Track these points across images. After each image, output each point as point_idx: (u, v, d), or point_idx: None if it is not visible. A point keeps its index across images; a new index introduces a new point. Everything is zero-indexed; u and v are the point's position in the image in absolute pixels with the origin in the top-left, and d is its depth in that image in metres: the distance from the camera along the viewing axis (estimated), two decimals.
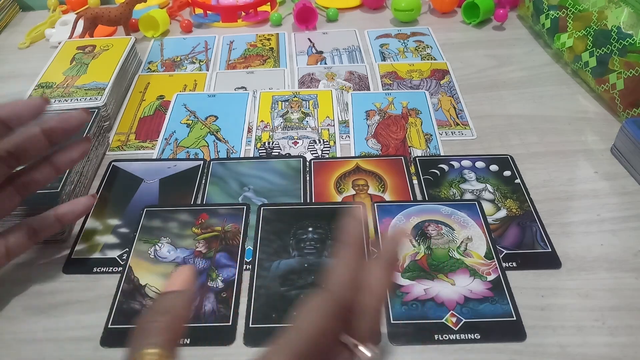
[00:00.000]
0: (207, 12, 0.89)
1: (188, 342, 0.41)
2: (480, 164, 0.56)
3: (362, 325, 0.25)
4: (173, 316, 0.25)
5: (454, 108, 0.66)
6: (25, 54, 0.83)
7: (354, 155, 0.59)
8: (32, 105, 0.38)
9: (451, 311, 0.42)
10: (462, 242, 0.47)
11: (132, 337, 0.25)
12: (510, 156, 0.57)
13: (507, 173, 0.55)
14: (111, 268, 0.47)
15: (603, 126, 0.62)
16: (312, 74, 0.74)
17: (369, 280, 0.27)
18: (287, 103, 0.67)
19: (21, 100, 0.38)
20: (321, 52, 0.80)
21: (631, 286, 0.44)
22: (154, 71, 0.77)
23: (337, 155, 0.59)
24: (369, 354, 0.25)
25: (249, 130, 0.63)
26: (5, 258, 0.41)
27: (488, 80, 0.71)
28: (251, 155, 0.60)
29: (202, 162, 0.58)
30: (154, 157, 0.60)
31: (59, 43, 0.74)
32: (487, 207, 0.51)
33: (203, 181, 0.55)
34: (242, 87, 0.72)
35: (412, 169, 0.56)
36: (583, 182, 0.54)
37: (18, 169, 0.41)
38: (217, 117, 0.65)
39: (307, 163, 0.57)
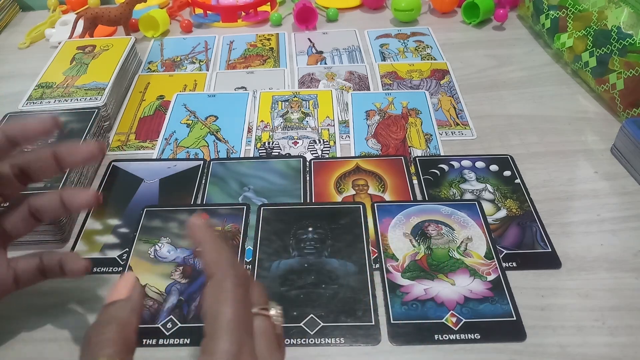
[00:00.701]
0: (207, 12, 0.89)
1: (188, 342, 0.41)
2: (480, 164, 0.56)
3: (256, 291, 0.28)
4: (120, 325, 0.25)
5: (454, 108, 0.66)
6: (25, 54, 0.83)
7: (354, 155, 0.59)
8: (40, 126, 0.38)
9: (451, 311, 0.42)
10: (462, 242, 0.47)
11: (81, 350, 0.24)
12: (510, 156, 0.57)
13: (507, 173, 0.55)
14: (111, 268, 0.47)
15: (603, 126, 0.62)
16: (312, 74, 0.74)
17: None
18: (287, 103, 0.67)
19: (31, 121, 0.38)
20: (321, 52, 0.80)
21: (631, 286, 0.44)
22: (154, 71, 0.77)
23: (337, 155, 0.59)
24: (277, 312, 0.28)
25: (249, 130, 0.63)
26: (14, 286, 0.40)
27: (488, 80, 0.71)
28: (251, 155, 0.60)
29: (202, 162, 0.58)
30: (154, 157, 0.60)
31: (59, 43, 0.74)
32: (487, 207, 0.51)
33: (203, 181, 0.55)
34: (242, 87, 0.72)
35: (412, 169, 0.56)
36: (583, 182, 0.54)
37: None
38: (217, 117, 0.65)
39: (307, 163, 0.57)
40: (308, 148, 0.60)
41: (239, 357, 0.24)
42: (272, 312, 0.27)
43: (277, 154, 0.59)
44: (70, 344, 0.41)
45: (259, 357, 0.25)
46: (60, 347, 0.41)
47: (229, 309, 0.25)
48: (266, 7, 0.91)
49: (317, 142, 0.61)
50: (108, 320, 0.25)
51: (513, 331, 0.41)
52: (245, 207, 0.52)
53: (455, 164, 0.56)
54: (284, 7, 0.94)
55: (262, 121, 0.65)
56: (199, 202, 0.53)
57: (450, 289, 0.44)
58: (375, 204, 0.51)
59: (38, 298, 0.45)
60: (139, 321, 0.27)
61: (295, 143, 0.61)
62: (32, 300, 0.45)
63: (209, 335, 0.25)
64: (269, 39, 0.84)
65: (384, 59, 0.77)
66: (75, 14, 0.87)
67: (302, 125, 0.64)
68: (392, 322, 0.41)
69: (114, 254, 0.48)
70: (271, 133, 0.63)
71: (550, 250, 0.47)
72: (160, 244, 0.48)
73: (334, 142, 0.61)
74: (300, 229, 0.49)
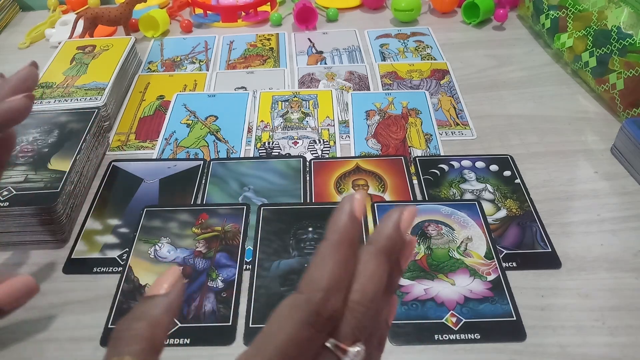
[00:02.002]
0: (207, 12, 0.89)
1: (188, 342, 0.41)
2: (480, 164, 0.56)
3: (345, 325, 0.22)
4: (150, 323, 0.23)
5: (454, 108, 0.66)
6: (25, 54, 0.83)
7: (354, 155, 0.59)
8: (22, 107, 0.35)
9: (451, 311, 0.42)
10: (462, 242, 0.47)
11: (109, 342, 0.23)
12: (510, 156, 0.57)
13: (507, 173, 0.55)
14: (111, 268, 0.47)
15: (603, 126, 0.62)
16: (312, 74, 0.74)
17: (359, 274, 0.23)
18: (287, 103, 0.67)
19: (9, 102, 0.35)
20: (321, 52, 0.80)
21: (631, 286, 0.44)
22: (154, 71, 0.77)
23: (337, 155, 0.59)
24: (354, 355, 0.22)
25: (249, 130, 0.63)
26: None
27: (488, 80, 0.71)
28: (251, 155, 0.60)
29: (202, 162, 0.58)
30: (154, 157, 0.60)
31: (59, 43, 0.74)
32: (487, 207, 0.51)
33: (203, 181, 0.55)
34: (242, 87, 0.72)
35: (412, 169, 0.56)
36: (583, 182, 0.54)
37: None
38: (217, 117, 0.65)
39: (307, 163, 0.57)
40: (308, 148, 0.60)
41: None
42: (350, 351, 0.22)
43: (277, 154, 0.59)
44: (70, 344, 0.41)
45: None
46: (60, 347, 0.41)
47: (282, 337, 0.21)
48: (266, 7, 0.91)
49: (317, 142, 0.61)
50: (139, 316, 0.24)
51: (513, 331, 0.41)
52: (245, 207, 0.52)
53: (455, 164, 0.56)
54: (284, 7, 0.94)
55: (262, 121, 0.65)
56: (199, 202, 0.53)
57: (450, 289, 0.44)
58: (375, 204, 0.51)
59: (38, 298, 0.45)
60: (172, 321, 0.24)
61: (295, 143, 0.61)
62: (32, 300, 0.44)
63: (248, 353, 0.22)
64: (269, 39, 0.84)
65: (384, 59, 0.77)
66: (75, 14, 0.87)
67: (302, 125, 0.64)
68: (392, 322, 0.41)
69: (114, 254, 0.48)
70: (271, 133, 0.63)
71: (550, 250, 0.47)
72: (160, 244, 0.48)
73: (334, 142, 0.61)
74: (300, 229, 0.49)
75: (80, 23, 0.80)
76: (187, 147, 0.61)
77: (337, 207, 0.24)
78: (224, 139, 0.62)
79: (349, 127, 0.63)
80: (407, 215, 0.25)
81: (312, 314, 0.22)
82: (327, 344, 0.22)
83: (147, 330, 0.23)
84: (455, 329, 0.41)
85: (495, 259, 0.46)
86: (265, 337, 0.22)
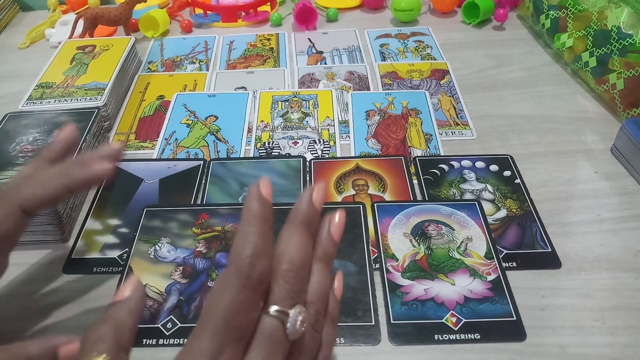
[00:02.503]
0: (207, 12, 0.89)
1: None
2: (480, 164, 0.56)
3: (280, 290, 0.25)
4: (115, 324, 0.26)
5: (454, 108, 0.66)
6: (25, 54, 0.83)
7: (354, 155, 0.59)
8: (106, 175, 0.38)
9: (451, 311, 0.42)
10: (462, 242, 0.47)
11: (80, 347, 0.25)
12: (510, 156, 0.57)
13: (507, 173, 0.55)
14: (111, 268, 0.47)
15: (603, 126, 0.62)
16: (312, 74, 0.74)
17: (285, 247, 0.27)
18: (287, 103, 0.67)
19: (97, 171, 0.37)
20: (321, 52, 0.80)
21: (631, 286, 0.44)
22: (154, 71, 0.77)
23: (337, 155, 0.59)
24: (296, 315, 0.25)
25: (249, 130, 0.63)
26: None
27: (488, 80, 0.71)
28: (251, 155, 0.60)
29: (202, 162, 0.58)
30: (154, 157, 0.60)
31: (59, 43, 0.74)
32: (487, 207, 0.51)
33: (203, 181, 0.55)
34: (242, 87, 0.72)
35: (412, 169, 0.56)
36: (583, 182, 0.54)
37: None
38: (217, 117, 0.65)
39: (307, 163, 0.57)
40: (308, 148, 0.60)
41: (216, 358, 0.23)
42: (291, 316, 0.24)
43: (277, 154, 0.59)
44: None
45: None
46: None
47: (222, 307, 0.24)
48: (266, 7, 0.91)
49: (317, 142, 0.61)
50: (104, 320, 0.26)
51: (513, 331, 0.41)
52: None
53: (455, 164, 0.56)
54: (284, 7, 0.94)
55: (262, 121, 0.65)
56: (199, 202, 0.53)
57: (450, 289, 0.44)
58: (375, 204, 0.51)
59: (38, 298, 0.45)
60: (136, 322, 0.27)
61: (295, 143, 0.61)
62: (32, 300, 0.45)
63: (196, 327, 0.24)
64: (269, 39, 0.84)
65: (384, 59, 0.77)
66: (75, 14, 0.87)
67: (302, 125, 0.64)
68: (392, 322, 0.41)
69: (114, 254, 0.48)
70: (271, 133, 0.63)
71: (550, 250, 0.47)
72: (160, 244, 0.48)
73: (334, 142, 0.61)
74: None
75: (80, 23, 0.80)
76: (187, 147, 0.61)
77: (247, 194, 0.27)
78: (224, 139, 0.62)
79: (349, 127, 0.63)
80: (317, 191, 0.28)
81: (242, 277, 0.24)
82: (270, 311, 0.24)
83: (111, 330, 0.25)
84: (455, 329, 0.41)
85: (495, 259, 0.46)
86: (207, 311, 0.24)
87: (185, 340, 0.40)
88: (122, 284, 0.28)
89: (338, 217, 0.29)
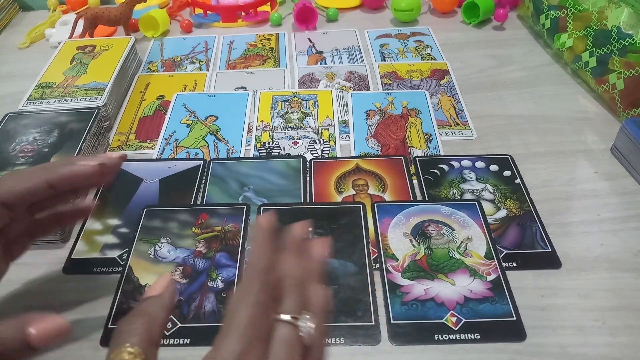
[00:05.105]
0: (207, 12, 0.89)
1: (188, 342, 0.41)
2: (480, 164, 0.56)
3: (289, 302, 0.28)
4: (147, 318, 0.27)
5: (454, 108, 0.66)
6: (25, 54, 0.83)
7: (354, 155, 0.59)
8: (89, 172, 0.37)
9: (451, 311, 0.42)
10: (462, 242, 0.47)
11: (111, 340, 0.26)
12: (510, 156, 0.57)
13: (507, 173, 0.55)
14: (111, 268, 0.47)
15: (603, 126, 0.62)
16: (312, 74, 0.74)
17: (285, 268, 0.30)
18: (287, 103, 0.67)
19: (79, 167, 0.37)
20: (321, 52, 0.80)
21: (631, 286, 0.44)
22: (154, 71, 0.77)
23: (337, 155, 0.59)
24: (306, 322, 0.27)
25: (249, 130, 0.63)
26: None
27: (488, 80, 0.71)
28: (251, 155, 0.60)
29: (202, 162, 0.58)
30: (154, 157, 0.60)
31: (59, 43, 0.74)
32: (487, 207, 0.51)
33: (203, 181, 0.55)
34: (242, 87, 0.72)
35: (412, 169, 0.56)
36: (583, 182, 0.54)
37: None
38: (217, 117, 0.65)
39: (307, 163, 0.57)
40: (308, 148, 0.60)
41: (243, 358, 0.24)
42: (301, 322, 0.27)
43: (277, 154, 0.59)
44: (70, 344, 0.41)
45: None
46: (60, 347, 0.41)
47: (244, 310, 0.26)
48: (266, 7, 0.91)
49: (317, 142, 0.61)
50: (137, 313, 0.27)
51: (513, 331, 0.41)
52: (245, 207, 0.52)
53: (455, 164, 0.56)
54: (284, 7, 0.94)
55: (262, 121, 0.65)
56: (199, 202, 0.53)
57: (450, 289, 0.44)
58: (375, 204, 0.51)
59: (38, 298, 0.45)
60: (167, 318, 0.28)
61: (295, 143, 0.61)
62: (32, 300, 0.45)
63: (221, 332, 0.26)
64: (269, 39, 0.84)
65: (384, 59, 0.77)
66: (75, 14, 0.87)
67: (302, 125, 0.64)
68: (392, 322, 0.41)
69: (114, 254, 0.48)
70: (271, 133, 0.63)
71: (550, 250, 0.47)
72: (160, 244, 0.48)
73: (334, 142, 0.61)
74: None
75: (80, 23, 0.80)
76: (187, 147, 0.61)
77: (255, 223, 0.31)
78: (224, 139, 0.62)
79: (349, 127, 0.63)
80: (300, 228, 0.33)
81: (261, 283, 0.27)
82: (283, 318, 0.27)
83: (145, 324, 0.27)
84: (455, 329, 0.41)
85: (495, 259, 0.46)
86: (231, 314, 0.26)
87: (186, 340, 0.41)
88: (156, 280, 0.30)
89: (322, 244, 0.33)
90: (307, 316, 0.27)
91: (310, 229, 0.34)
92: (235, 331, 0.25)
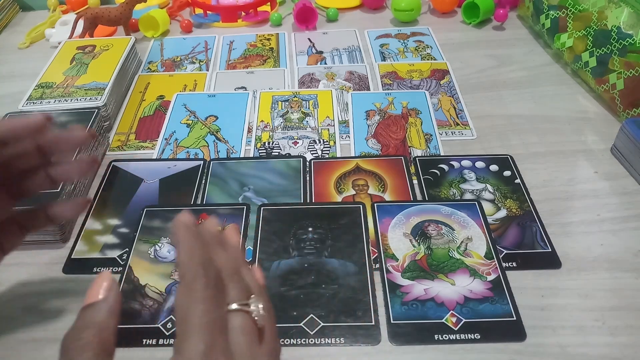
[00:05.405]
0: (207, 12, 0.89)
1: None
2: (480, 164, 0.56)
3: (233, 291, 0.27)
4: (96, 329, 0.25)
5: (454, 108, 0.66)
6: (25, 54, 0.83)
7: (354, 155, 0.59)
8: (32, 125, 0.37)
9: (451, 311, 0.42)
10: (462, 242, 0.47)
11: (59, 357, 0.24)
12: (510, 156, 0.57)
13: (507, 173, 0.55)
14: (111, 268, 0.47)
15: (603, 126, 0.62)
16: (312, 74, 0.74)
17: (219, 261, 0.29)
18: (287, 103, 0.67)
19: (21, 120, 0.37)
20: (321, 52, 0.80)
21: (631, 286, 0.44)
22: (154, 71, 0.77)
23: (337, 155, 0.59)
24: (256, 306, 0.27)
25: (249, 130, 0.63)
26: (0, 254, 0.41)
27: (488, 80, 0.71)
28: (251, 155, 0.60)
29: (202, 162, 0.58)
30: (154, 157, 0.60)
31: (59, 43, 0.74)
32: (487, 207, 0.51)
33: (203, 181, 0.55)
34: (242, 87, 0.72)
35: (412, 169, 0.56)
36: (583, 182, 0.54)
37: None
38: (217, 117, 0.65)
39: (307, 163, 0.57)
40: (308, 148, 0.60)
41: (210, 355, 0.24)
42: (252, 307, 0.27)
43: (277, 154, 0.59)
44: None
45: (236, 354, 0.25)
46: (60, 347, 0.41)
47: (198, 309, 0.25)
48: (266, 7, 0.91)
49: (317, 142, 0.61)
50: (85, 325, 0.25)
51: (513, 331, 0.41)
52: (245, 207, 0.52)
53: (455, 164, 0.56)
54: (284, 7, 0.94)
55: (262, 121, 0.65)
56: (199, 202, 0.53)
57: (450, 289, 0.44)
58: (375, 204, 0.51)
59: (38, 298, 0.45)
60: (117, 323, 0.26)
61: (295, 143, 0.61)
62: (32, 300, 0.45)
63: (179, 335, 0.25)
64: (269, 39, 0.84)
65: (384, 59, 0.77)
66: (75, 14, 0.87)
67: (302, 125, 0.64)
68: (392, 322, 0.41)
69: (114, 254, 0.48)
70: (271, 133, 0.63)
71: (550, 250, 0.47)
72: (160, 244, 0.48)
73: (334, 142, 0.61)
74: (300, 229, 0.49)
75: (80, 23, 0.80)
76: (187, 147, 0.61)
77: (172, 229, 0.29)
78: (224, 139, 0.62)
79: (349, 127, 0.63)
80: (211, 222, 0.33)
81: (201, 279, 0.26)
82: (235, 307, 0.26)
83: (96, 336, 0.25)
84: (455, 329, 0.41)
85: (495, 259, 0.46)
86: (182, 316, 0.25)
87: (173, 350, 0.41)
88: (92, 283, 0.27)
89: (234, 230, 0.34)
90: (254, 299, 0.27)
91: (216, 220, 0.34)
92: (195, 331, 0.24)
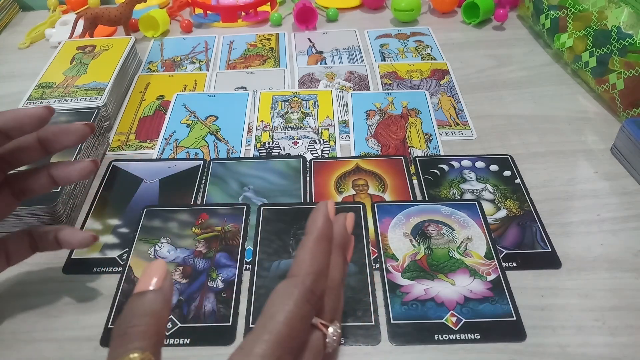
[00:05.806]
0: (207, 12, 0.89)
1: (188, 342, 0.41)
2: (480, 164, 0.56)
3: (327, 307, 0.27)
4: (155, 318, 0.24)
5: (454, 108, 0.66)
6: (25, 54, 0.83)
7: (354, 155, 0.59)
8: (35, 115, 0.37)
9: (451, 311, 0.42)
10: (462, 242, 0.47)
11: (112, 340, 0.24)
12: (510, 156, 0.57)
13: (507, 173, 0.55)
14: (111, 268, 0.47)
15: (603, 126, 0.62)
16: (312, 74, 0.74)
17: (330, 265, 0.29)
18: (287, 103, 0.67)
19: (24, 110, 0.37)
20: (321, 52, 0.80)
21: (631, 286, 0.44)
22: (154, 71, 0.77)
23: (337, 155, 0.59)
24: (335, 332, 0.27)
25: (249, 130, 0.63)
26: (5, 263, 0.41)
27: (488, 80, 0.71)
28: (251, 155, 0.60)
29: (202, 162, 0.58)
30: (154, 157, 0.60)
31: (59, 43, 0.74)
32: (487, 207, 0.51)
33: (203, 181, 0.55)
34: (242, 87, 0.72)
35: (412, 169, 0.56)
36: (583, 182, 0.54)
37: (14, 171, 0.41)
38: (217, 117, 0.65)
39: (307, 163, 0.57)
40: (308, 148, 0.60)
41: None
42: (331, 330, 0.27)
43: (277, 154, 0.59)
44: (70, 344, 0.41)
45: None
46: (60, 347, 0.41)
47: (285, 316, 0.25)
48: (266, 7, 0.91)
49: (317, 142, 0.61)
50: (142, 312, 0.24)
51: (513, 331, 0.41)
52: (245, 207, 0.52)
53: (455, 164, 0.56)
54: (284, 7, 0.94)
55: (262, 121, 0.65)
56: (199, 202, 0.53)
57: (450, 289, 0.44)
58: (375, 204, 0.51)
59: (38, 298, 0.45)
60: (169, 314, 0.27)
61: (295, 143, 0.61)
62: (32, 300, 0.45)
63: (255, 332, 0.24)
64: (269, 39, 0.84)
65: (384, 59, 0.77)
66: (75, 14, 0.87)
67: (302, 125, 0.64)
68: (392, 322, 0.41)
69: (114, 254, 0.48)
70: (271, 133, 0.63)
71: (550, 250, 0.47)
72: (160, 244, 0.48)
73: (334, 142, 0.61)
74: (300, 229, 0.49)
75: (80, 23, 0.80)
76: (187, 147, 0.61)
77: (315, 209, 0.30)
78: (224, 139, 0.62)
79: (349, 127, 0.63)
80: (349, 220, 0.33)
81: (306, 291, 0.25)
82: (315, 321, 0.26)
83: (152, 325, 0.24)
84: (455, 329, 0.41)
85: (495, 259, 0.46)
86: (267, 317, 0.25)
87: (186, 340, 0.41)
88: (147, 270, 0.26)
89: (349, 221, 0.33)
90: (336, 325, 0.27)
91: (351, 221, 0.34)
92: (270, 335, 0.24)
